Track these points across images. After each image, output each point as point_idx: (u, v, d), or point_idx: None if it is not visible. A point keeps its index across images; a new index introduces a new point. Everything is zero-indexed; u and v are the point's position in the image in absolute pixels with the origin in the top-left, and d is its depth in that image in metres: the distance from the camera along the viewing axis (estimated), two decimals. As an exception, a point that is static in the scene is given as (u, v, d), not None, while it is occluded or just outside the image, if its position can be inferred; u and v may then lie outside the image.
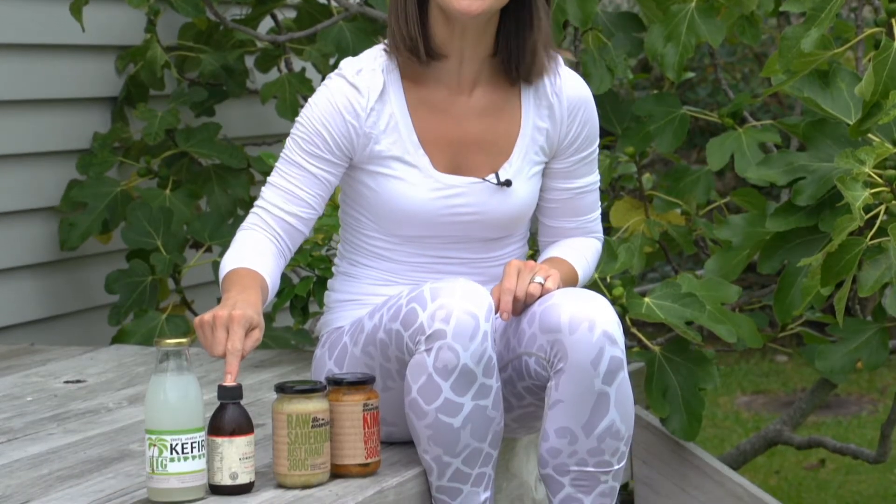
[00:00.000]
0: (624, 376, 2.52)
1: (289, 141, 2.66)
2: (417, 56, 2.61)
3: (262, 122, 4.70)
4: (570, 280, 2.71)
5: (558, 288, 2.58)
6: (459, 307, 2.45)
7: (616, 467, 2.55)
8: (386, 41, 2.66)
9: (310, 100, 2.66)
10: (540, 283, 2.57)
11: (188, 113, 4.36)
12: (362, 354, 2.60)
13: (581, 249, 2.78)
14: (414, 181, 2.63)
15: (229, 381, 2.37)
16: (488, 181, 2.66)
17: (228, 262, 2.58)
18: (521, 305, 2.57)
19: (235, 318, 2.39)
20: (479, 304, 2.47)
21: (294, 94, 4.13)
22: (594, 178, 2.78)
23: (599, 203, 2.81)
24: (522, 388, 2.61)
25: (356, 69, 2.65)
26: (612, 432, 2.53)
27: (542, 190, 2.75)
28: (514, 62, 2.64)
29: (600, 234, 2.83)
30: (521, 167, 2.68)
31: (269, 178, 2.66)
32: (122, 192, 4.08)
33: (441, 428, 2.47)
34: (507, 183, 2.66)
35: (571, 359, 2.49)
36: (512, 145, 2.68)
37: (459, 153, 2.66)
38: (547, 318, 2.52)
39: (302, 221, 2.63)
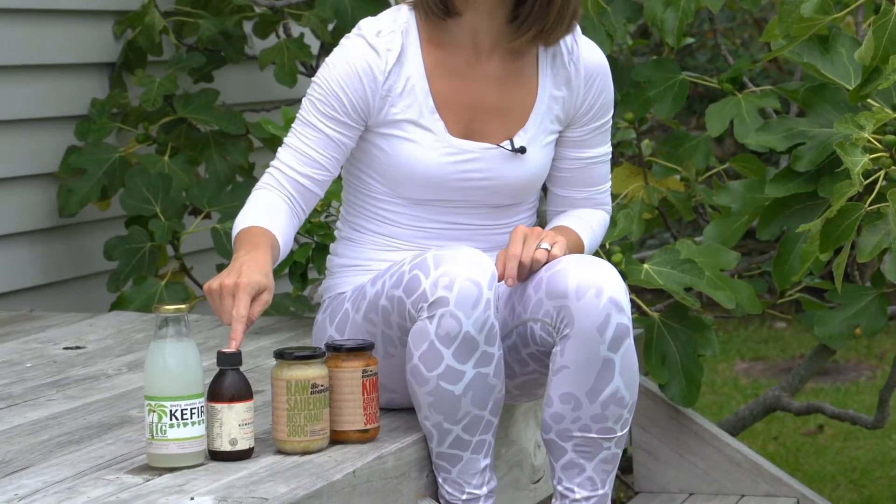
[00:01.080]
0: (630, 343, 2.52)
1: (305, 101, 2.65)
2: (436, 11, 2.59)
3: (261, 88, 4.69)
4: (576, 248, 2.71)
5: (564, 255, 2.58)
6: (463, 275, 2.45)
7: (619, 434, 2.56)
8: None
9: (327, 60, 2.64)
10: (546, 250, 2.57)
11: (186, 79, 4.35)
12: (364, 321, 2.60)
13: (589, 220, 2.78)
14: (428, 144, 2.63)
15: (233, 348, 2.38)
16: (503, 147, 2.66)
17: (241, 221, 2.58)
18: (527, 271, 2.57)
19: (241, 285, 2.39)
20: (482, 271, 2.47)
21: (292, 60, 4.12)
22: (607, 148, 2.78)
23: (610, 175, 2.81)
24: (527, 354, 2.61)
25: (375, 30, 2.63)
26: (616, 399, 2.53)
27: (554, 159, 2.75)
28: (533, 23, 2.61)
29: (609, 207, 2.83)
30: (536, 135, 2.68)
31: (285, 139, 2.65)
32: (120, 159, 4.07)
33: (442, 395, 2.48)
34: (522, 150, 2.66)
35: (578, 325, 2.49)
36: (528, 113, 2.68)
37: (475, 119, 2.65)
38: (554, 284, 2.52)
39: (316, 183, 2.63)
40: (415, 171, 2.63)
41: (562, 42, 2.68)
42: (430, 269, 2.47)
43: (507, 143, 2.66)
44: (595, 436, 2.54)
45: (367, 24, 2.65)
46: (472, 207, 2.69)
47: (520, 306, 2.58)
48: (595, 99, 2.72)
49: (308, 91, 2.65)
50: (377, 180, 2.68)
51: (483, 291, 2.45)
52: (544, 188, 2.85)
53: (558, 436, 2.55)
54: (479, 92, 2.65)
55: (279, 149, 2.66)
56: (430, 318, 2.45)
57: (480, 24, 2.63)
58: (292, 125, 2.65)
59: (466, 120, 2.64)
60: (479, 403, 2.50)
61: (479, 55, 2.65)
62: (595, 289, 2.49)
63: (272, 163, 2.65)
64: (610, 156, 2.80)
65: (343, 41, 2.65)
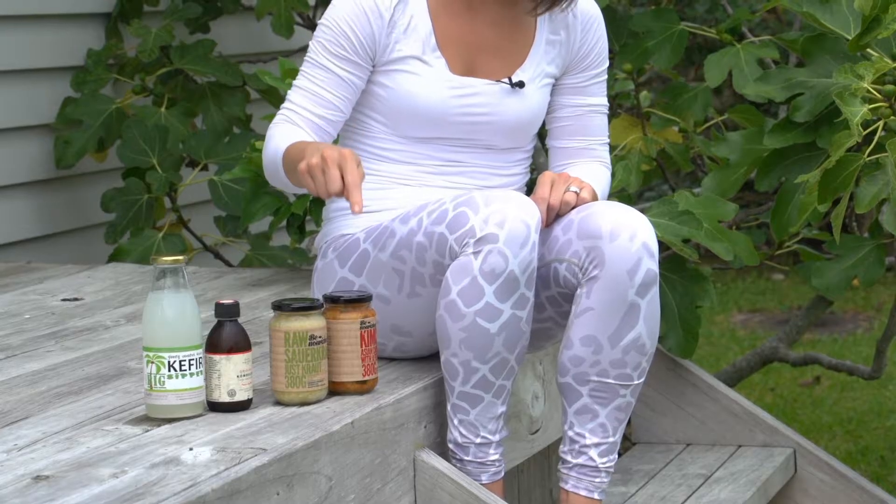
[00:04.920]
0: (656, 291, 2.54)
1: (313, 44, 2.67)
2: None
3: (257, 39, 4.67)
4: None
5: (593, 199, 2.61)
6: (514, 214, 2.46)
7: (636, 382, 2.57)
8: None
9: (334, 1, 2.66)
10: (575, 193, 2.60)
11: (182, 29, 4.33)
12: (392, 258, 2.59)
13: (595, 174, 2.79)
14: (431, 79, 2.66)
15: (358, 212, 2.38)
16: (503, 83, 2.68)
17: (281, 144, 2.58)
18: (554, 215, 2.59)
19: (346, 154, 2.42)
20: (531, 213, 2.48)
21: (289, 11, 4.10)
22: (604, 100, 2.81)
23: (608, 131, 2.83)
24: (546, 297, 2.62)
25: None
26: (637, 346, 2.54)
27: (553, 109, 2.78)
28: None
29: (609, 163, 2.85)
30: (534, 75, 2.72)
31: (294, 82, 2.66)
32: (117, 110, 4.06)
33: (477, 332, 2.48)
34: (521, 84, 2.69)
35: (609, 266, 2.51)
36: (526, 53, 2.71)
37: (476, 57, 2.69)
38: (587, 225, 2.54)
39: (330, 124, 2.65)
40: (417, 105, 2.65)
41: None
42: (479, 206, 2.48)
43: (506, 80, 2.68)
44: (612, 381, 2.55)
45: None
46: (472, 148, 2.70)
47: (544, 248, 2.59)
48: (592, 45, 2.77)
49: (315, 33, 2.67)
50: (378, 120, 2.69)
51: (531, 233, 2.47)
52: (542, 137, 2.85)
53: (575, 379, 2.56)
54: (480, 32, 2.69)
55: (289, 92, 2.67)
56: (476, 253, 2.46)
57: None
58: (301, 68, 2.67)
59: (467, 57, 2.68)
60: (510, 346, 2.51)
61: None
62: (629, 232, 2.51)
63: (284, 106, 2.66)
64: (607, 109, 2.82)
65: None
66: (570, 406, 2.58)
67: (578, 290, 2.54)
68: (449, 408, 2.56)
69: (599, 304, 2.52)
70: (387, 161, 2.69)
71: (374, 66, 2.67)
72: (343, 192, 2.42)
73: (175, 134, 4.00)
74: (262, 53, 4.65)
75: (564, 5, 2.67)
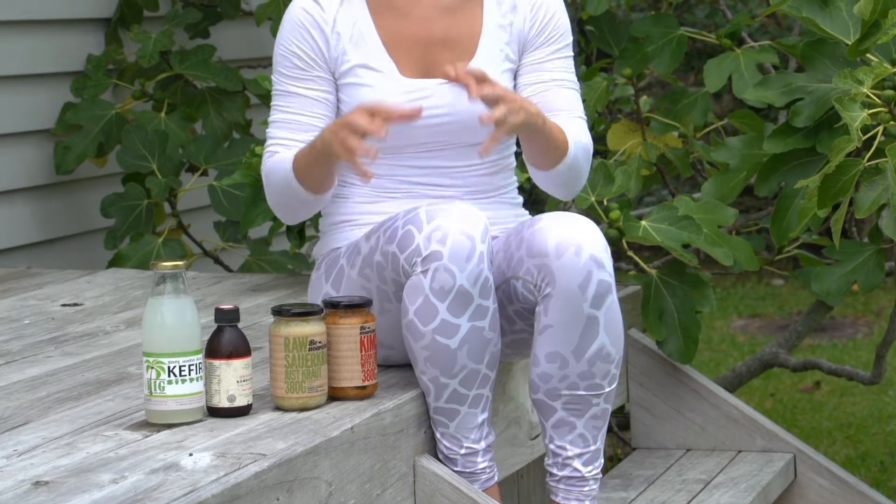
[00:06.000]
0: (613, 299, 2.52)
1: (273, 77, 2.67)
2: None
3: (257, 45, 4.67)
4: (556, 132, 2.59)
5: (519, 122, 2.46)
6: (456, 228, 2.45)
7: (607, 390, 2.56)
8: None
9: (279, 29, 2.67)
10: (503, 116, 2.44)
11: (182, 34, 4.33)
12: (359, 277, 2.60)
13: (570, 131, 2.65)
14: (382, 87, 2.63)
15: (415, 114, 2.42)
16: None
17: (285, 162, 2.58)
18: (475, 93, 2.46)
19: (355, 110, 2.43)
20: (475, 224, 2.46)
21: (289, 16, 4.10)
22: (570, 76, 2.70)
23: (582, 109, 2.69)
24: (512, 311, 2.62)
25: None
26: (602, 356, 2.53)
27: (518, 90, 2.69)
28: None
29: (584, 138, 2.68)
30: (487, 64, 2.66)
31: (269, 120, 2.66)
32: (116, 115, 4.06)
33: (438, 349, 2.48)
34: None
35: (559, 283, 2.49)
36: (476, 42, 2.67)
37: (427, 54, 2.65)
38: (533, 243, 2.52)
39: None
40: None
41: None
42: (422, 224, 2.47)
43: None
44: (583, 393, 2.55)
45: None
46: (444, 149, 2.67)
47: (504, 264, 2.58)
48: (544, 21, 2.68)
49: (273, 66, 2.67)
50: None
51: (476, 244, 2.45)
52: None
53: (547, 395, 2.56)
54: (425, 26, 2.65)
55: (267, 130, 2.67)
56: (424, 272, 2.45)
57: None
58: (271, 104, 2.66)
59: (417, 56, 2.63)
60: (476, 357, 2.50)
61: None
62: (575, 246, 2.49)
63: (266, 145, 2.65)
64: (577, 87, 2.71)
65: (289, 6, 2.67)
66: (547, 421, 2.58)
67: (537, 308, 2.54)
68: (431, 422, 2.56)
69: (557, 321, 2.51)
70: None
71: (335, 79, 2.65)
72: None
73: (175, 139, 4.00)
74: (262, 58, 4.65)
75: None
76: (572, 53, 2.73)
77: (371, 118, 2.44)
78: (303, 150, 2.58)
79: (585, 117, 2.72)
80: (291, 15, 2.65)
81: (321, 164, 2.55)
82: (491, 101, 2.46)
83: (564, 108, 2.69)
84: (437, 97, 2.63)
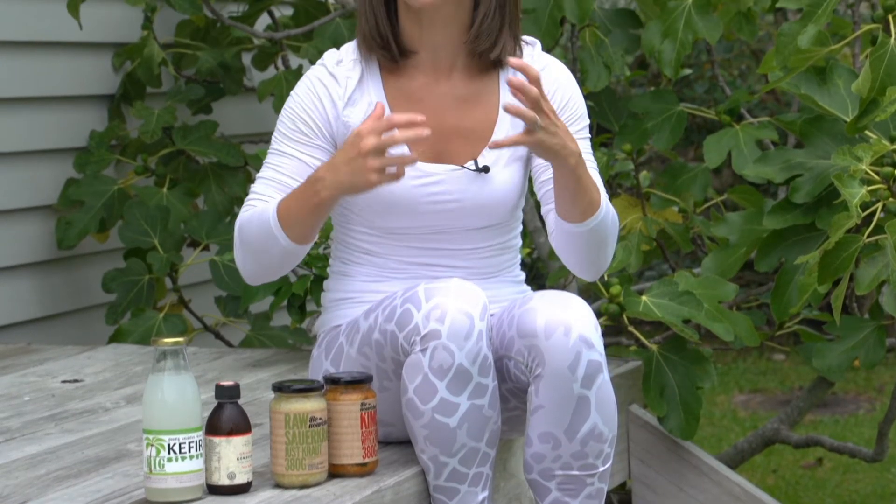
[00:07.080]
0: (604, 379, 2.52)
1: (274, 135, 2.68)
2: (391, 54, 2.63)
3: (259, 120, 4.69)
4: (590, 183, 2.54)
5: (549, 144, 2.45)
6: (454, 306, 2.45)
7: (601, 469, 2.55)
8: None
9: (291, 92, 2.68)
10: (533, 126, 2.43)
11: (185, 110, 4.35)
12: (358, 355, 2.60)
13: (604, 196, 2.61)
14: None
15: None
16: (466, 168, 2.64)
17: (265, 211, 2.55)
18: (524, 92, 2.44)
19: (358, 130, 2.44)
20: (473, 302, 2.46)
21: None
22: (589, 156, 2.66)
23: (603, 185, 2.65)
24: (506, 390, 2.61)
25: (336, 59, 2.67)
26: (594, 435, 2.52)
27: (536, 174, 2.68)
28: (478, 47, 2.63)
29: (616, 213, 2.65)
30: (500, 153, 2.66)
31: (257, 176, 2.66)
32: (119, 191, 4.07)
33: (437, 427, 2.47)
34: (485, 169, 2.64)
35: (549, 364, 2.49)
36: (490, 131, 2.67)
37: (439, 141, 2.64)
38: (523, 323, 2.52)
39: None
40: (385, 198, 2.61)
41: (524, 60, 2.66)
42: (421, 302, 2.47)
43: (470, 164, 2.64)
44: (577, 473, 2.54)
45: (328, 55, 2.69)
46: (449, 232, 2.68)
47: (497, 342, 2.58)
48: (561, 105, 2.66)
49: (276, 125, 2.68)
50: (355, 213, 2.67)
51: (475, 323, 2.45)
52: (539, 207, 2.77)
53: (541, 475, 2.55)
54: (440, 114, 2.65)
55: (252, 185, 2.66)
56: (423, 350, 2.45)
57: (438, 44, 2.64)
58: (265, 160, 2.66)
59: (430, 142, 2.62)
60: (475, 435, 2.49)
61: (439, 77, 2.66)
62: (563, 327, 2.48)
63: (248, 197, 2.64)
64: (597, 168, 2.68)
65: (307, 72, 2.69)
66: (543, 501, 2.56)
67: (529, 388, 2.53)
68: (431, 501, 2.55)
69: (548, 401, 2.51)
70: (370, 255, 2.67)
71: (336, 149, 2.64)
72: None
73: (176, 214, 4.02)
74: (264, 134, 4.67)
75: (488, 44, 2.60)
76: (590, 136, 2.73)
77: (378, 136, 2.43)
78: (289, 197, 2.55)
79: (605, 190, 2.66)
80: (309, 84, 2.66)
81: (318, 212, 2.51)
82: (536, 109, 2.44)
83: None
84: (447, 183, 2.64)
